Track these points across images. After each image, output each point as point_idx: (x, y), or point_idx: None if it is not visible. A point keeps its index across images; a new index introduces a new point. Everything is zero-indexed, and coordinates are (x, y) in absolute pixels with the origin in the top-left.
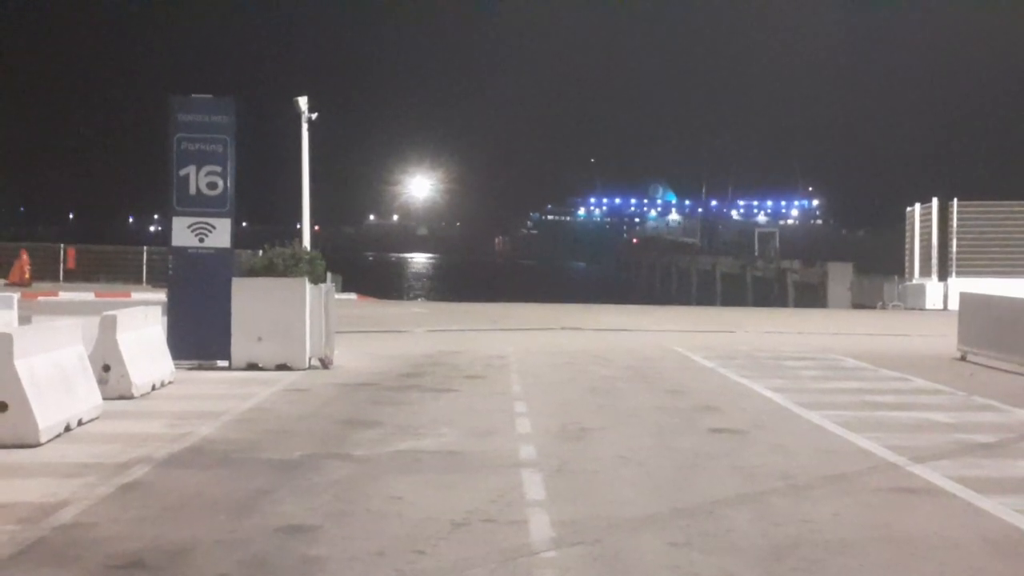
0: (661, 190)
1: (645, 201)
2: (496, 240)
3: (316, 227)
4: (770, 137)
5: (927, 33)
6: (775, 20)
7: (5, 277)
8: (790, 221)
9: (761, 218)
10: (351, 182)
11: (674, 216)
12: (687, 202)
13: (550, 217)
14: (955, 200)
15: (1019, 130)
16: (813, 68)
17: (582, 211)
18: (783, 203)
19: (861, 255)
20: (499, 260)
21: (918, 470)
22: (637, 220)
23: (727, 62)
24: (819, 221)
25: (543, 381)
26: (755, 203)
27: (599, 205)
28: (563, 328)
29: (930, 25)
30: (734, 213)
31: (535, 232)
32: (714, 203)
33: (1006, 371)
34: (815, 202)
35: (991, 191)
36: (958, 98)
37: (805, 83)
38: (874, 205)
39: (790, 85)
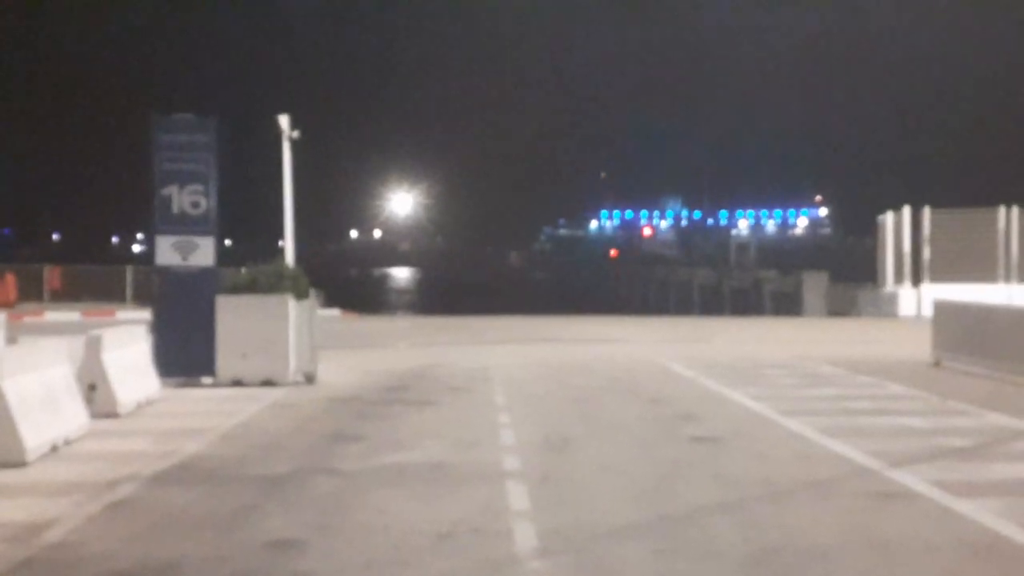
0: (671, 202)
1: (656, 213)
2: (512, 255)
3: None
4: (781, 148)
5: (933, 38)
6: (785, 28)
7: None
8: (798, 231)
9: (770, 227)
10: (334, 199)
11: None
12: (697, 214)
13: (562, 232)
14: (927, 208)
15: (1009, 136)
16: (822, 79)
17: (594, 224)
18: (792, 212)
19: (860, 262)
20: (515, 274)
21: (895, 475)
22: (648, 232)
23: (737, 76)
24: (827, 230)
25: (525, 392)
26: (765, 212)
27: (611, 218)
28: (544, 340)
29: (938, 27)
30: (742, 223)
31: (548, 247)
32: (724, 213)
33: (979, 376)
34: (823, 211)
35: (983, 197)
36: (962, 106)
37: (816, 95)
38: (882, 212)
39: (801, 97)
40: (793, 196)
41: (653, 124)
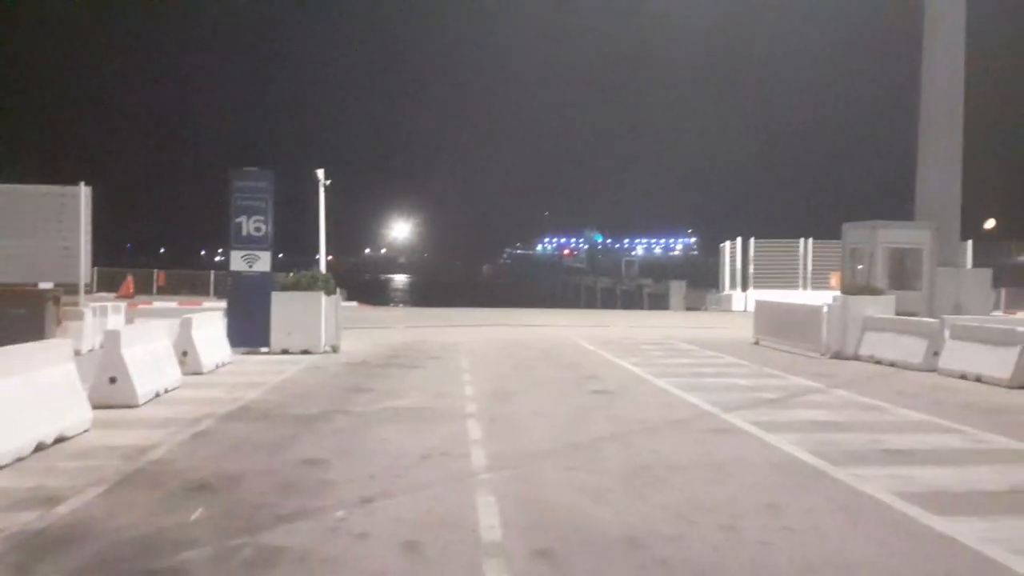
0: (588, 233)
1: (580, 240)
2: (484, 267)
3: (330, 257)
4: (667, 197)
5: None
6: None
7: (116, 292)
8: (676, 253)
9: (657, 251)
10: (353, 224)
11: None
12: (608, 240)
13: (518, 251)
14: (752, 238)
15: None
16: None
17: (540, 247)
18: (671, 240)
19: (710, 274)
20: (487, 282)
21: (727, 417)
22: (576, 254)
23: (631, 141)
24: (696, 252)
25: (483, 360)
26: (654, 240)
27: (550, 243)
28: (498, 324)
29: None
30: (639, 247)
31: (509, 261)
32: (625, 241)
33: (783, 351)
34: (693, 239)
35: (788, 230)
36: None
37: (694, 161)
38: (723, 242)
39: (674, 149)
40: (673, 229)
41: (584, 177)
